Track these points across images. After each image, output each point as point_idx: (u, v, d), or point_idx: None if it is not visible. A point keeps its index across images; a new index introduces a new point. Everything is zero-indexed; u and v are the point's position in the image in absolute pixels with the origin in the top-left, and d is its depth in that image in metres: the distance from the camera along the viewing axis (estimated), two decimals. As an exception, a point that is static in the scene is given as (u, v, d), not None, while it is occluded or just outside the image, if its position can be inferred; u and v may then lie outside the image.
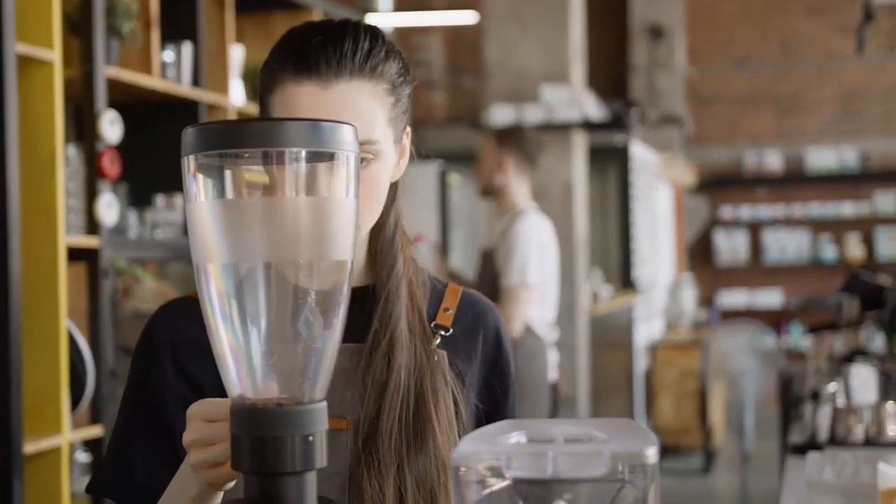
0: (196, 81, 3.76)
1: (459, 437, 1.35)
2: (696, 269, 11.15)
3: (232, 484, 1.12)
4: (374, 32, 1.32)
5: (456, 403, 1.37)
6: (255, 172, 0.97)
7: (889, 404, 2.78)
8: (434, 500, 1.32)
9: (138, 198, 3.60)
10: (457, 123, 9.24)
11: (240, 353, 0.96)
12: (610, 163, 8.18)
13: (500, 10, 6.44)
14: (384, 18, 7.03)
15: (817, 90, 11.12)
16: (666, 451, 7.41)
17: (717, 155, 11.29)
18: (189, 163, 0.96)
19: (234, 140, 0.95)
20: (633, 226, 8.22)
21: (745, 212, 11.24)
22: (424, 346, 1.37)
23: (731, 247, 11.28)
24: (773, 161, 11.16)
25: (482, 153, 4.40)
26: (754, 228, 11.30)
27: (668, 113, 10.50)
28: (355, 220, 0.99)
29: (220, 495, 1.16)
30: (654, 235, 9.14)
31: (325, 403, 0.98)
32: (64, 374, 2.97)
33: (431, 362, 1.36)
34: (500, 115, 6.24)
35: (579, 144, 6.51)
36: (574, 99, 6.33)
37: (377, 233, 1.39)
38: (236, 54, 4.04)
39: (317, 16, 4.34)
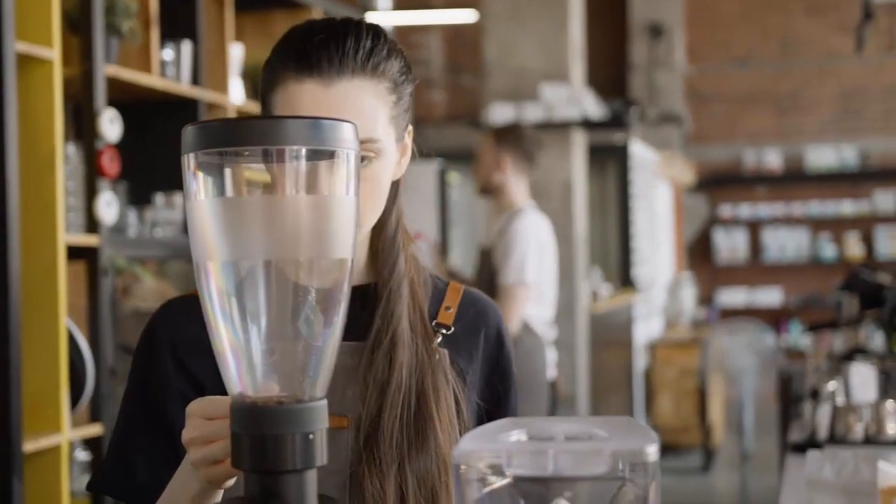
0: (196, 80, 3.76)
1: (461, 436, 1.35)
2: (695, 267, 11.14)
3: (232, 482, 1.12)
4: (377, 31, 1.32)
5: (457, 402, 1.37)
6: (255, 170, 0.97)
7: (889, 403, 2.78)
8: (435, 498, 1.32)
9: (138, 196, 3.60)
10: (456, 122, 9.23)
11: (240, 351, 0.96)
12: (609, 161, 8.17)
13: (499, 9, 6.44)
14: (384, 17, 7.01)
15: (817, 89, 11.11)
16: (665, 449, 7.40)
17: (716, 153, 11.28)
18: (189, 161, 0.96)
19: (234, 138, 0.95)
20: (632, 224, 8.21)
21: (745, 210, 11.24)
22: (426, 345, 1.36)
23: (730, 245, 11.28)
24: (773, 160, 11.15)
25: (480, 152, 4.40)
26: (754, 227, 11.29)
27: (667, 111, 10.50)
28: (356, 218, 0.99)
29: (220, 493, 1.16)
30: (654, 234, 9.13)
31: (325, 402, 0.98)
32: (63, 372, 2.97)
33: (433, 361, 1.36)
34: (500, 113, 6.24)
35: (579, 143, 6.51)
36: (573, 97, 6.33)
37: (378, 231, 1.39)
38: (236, 53, 4.04)
39: (316, 14, 4.34)
